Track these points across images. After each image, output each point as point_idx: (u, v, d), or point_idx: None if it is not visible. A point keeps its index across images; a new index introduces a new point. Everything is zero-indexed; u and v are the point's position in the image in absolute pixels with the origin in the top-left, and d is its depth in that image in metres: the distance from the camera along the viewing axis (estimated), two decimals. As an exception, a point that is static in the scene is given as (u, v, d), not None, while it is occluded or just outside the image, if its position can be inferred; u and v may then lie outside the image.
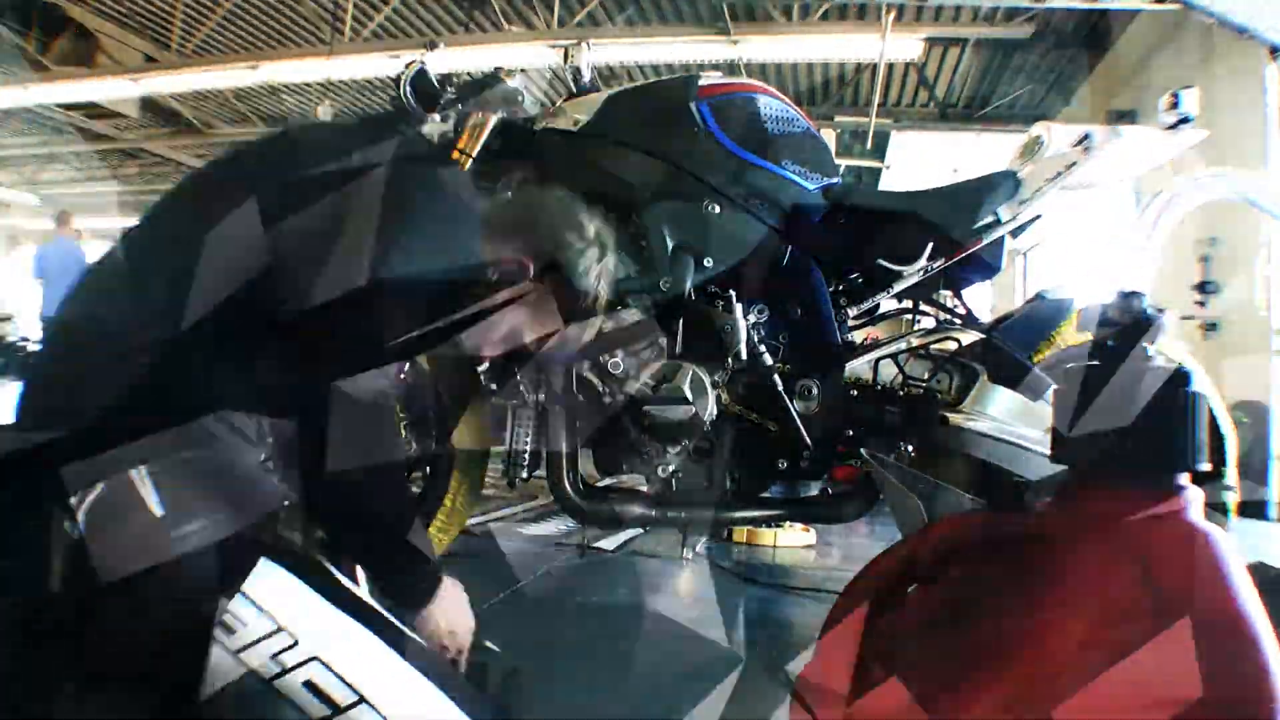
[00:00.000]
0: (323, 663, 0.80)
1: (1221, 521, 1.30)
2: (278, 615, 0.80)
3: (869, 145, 6.40)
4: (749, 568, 2.33)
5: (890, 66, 6.01)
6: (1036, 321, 1.53)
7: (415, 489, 1.78)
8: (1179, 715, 0.73)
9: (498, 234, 1.02)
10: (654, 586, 2.11)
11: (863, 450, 1.52)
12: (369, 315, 0.86)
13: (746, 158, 1.52)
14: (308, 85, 7.27)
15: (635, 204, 1.53)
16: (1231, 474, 1.39)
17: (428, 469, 1.74)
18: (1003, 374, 1.47)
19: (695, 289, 1.52)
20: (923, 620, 0.97)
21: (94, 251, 3.12)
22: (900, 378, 1.61)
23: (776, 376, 1.53)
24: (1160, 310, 1.00)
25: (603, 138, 1.55)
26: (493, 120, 1.58)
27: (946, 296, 1.65)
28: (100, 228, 9.90)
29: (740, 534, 2.69)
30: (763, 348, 1.55)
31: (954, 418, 1.47)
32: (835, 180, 1.61)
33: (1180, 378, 0.89)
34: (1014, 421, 1.47)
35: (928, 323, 1.69)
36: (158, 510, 0.76)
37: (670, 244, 1.52)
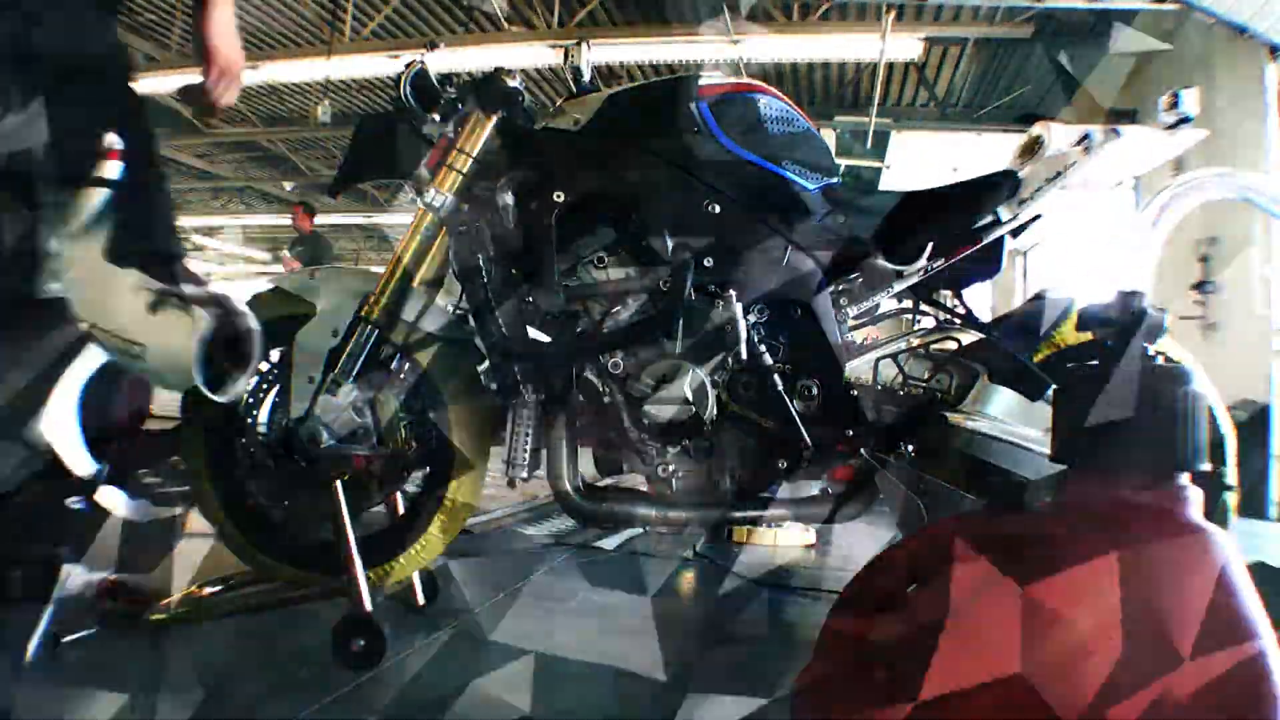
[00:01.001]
0: None
1: (1221, 521, 1.30)
2: None
3: (869, 145, 6.39)
4: (749, 568, 2.33)
5: (890, 66, 6.02)
6: (1036, 321, 1.53)
7: (415, 489, 1.79)
8: (1179, 715, 0.73)
9: None
10: (654, 586, 2.11)
11: (863, 450, 1.53)
12: None
13: (746, 157, 1.52)
14: (308, 85, 7.28)
15: (635, 204, 1.53)
16: (1231, 474, 1.39)
17: (428, 469, 1.74)
18: (1003, 374, 1.47)
19: (695, 289, 1.52)
20: (923, 620, 0.97)
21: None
22: (900, 378, 1.61)
23: (776, 376, 1.53)
24: (1160, 310, 1.00)
25: (603, 137, 1.55)
26: (493, 120, 1.58)
27: (946, 296, 1.65)
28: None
29: (740, 534, 2.68)
30: (763, 348, 1.55)
31: (954, 418, 1.47)
32: (835, 180, 1.61)
33: (1180, 377, 0.89)
34: (1014, 421, 1.47)
35: (928, 323, 1.68)
36: None
37: (670, 244, 1.53)
